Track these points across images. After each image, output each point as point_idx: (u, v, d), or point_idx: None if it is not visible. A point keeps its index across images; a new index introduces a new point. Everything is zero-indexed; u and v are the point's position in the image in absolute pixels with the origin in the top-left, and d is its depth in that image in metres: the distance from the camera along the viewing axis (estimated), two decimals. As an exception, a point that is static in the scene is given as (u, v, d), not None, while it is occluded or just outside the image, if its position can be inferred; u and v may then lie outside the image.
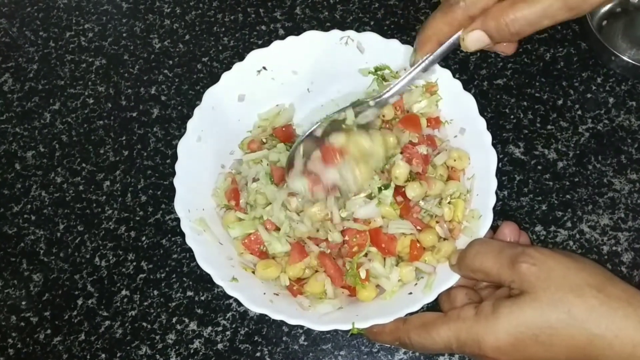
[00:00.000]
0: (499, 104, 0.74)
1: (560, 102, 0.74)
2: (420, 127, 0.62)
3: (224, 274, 0.56)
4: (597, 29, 0.76)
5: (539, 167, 0.71)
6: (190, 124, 0.62)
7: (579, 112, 0.73)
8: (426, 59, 0.52)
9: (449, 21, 0.47)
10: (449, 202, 0.59)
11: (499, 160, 0.70)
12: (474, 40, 0.46)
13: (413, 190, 0.58)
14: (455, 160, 0.61)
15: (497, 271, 0.49)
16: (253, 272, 0.59)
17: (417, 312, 0.53)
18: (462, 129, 0.62)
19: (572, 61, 0.76)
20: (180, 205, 0.59)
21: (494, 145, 0.60)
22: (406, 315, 0.53)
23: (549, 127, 0.73)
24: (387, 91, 0.59)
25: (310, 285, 0.57)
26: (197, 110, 0.63)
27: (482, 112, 0.61)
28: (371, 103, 0.59)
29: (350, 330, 0.53)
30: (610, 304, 0.44)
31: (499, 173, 0.69)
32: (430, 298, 0.53)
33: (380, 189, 0.58)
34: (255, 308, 0.54)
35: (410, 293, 0.55)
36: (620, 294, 0.45)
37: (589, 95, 0.74)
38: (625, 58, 0.72)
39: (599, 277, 0.46)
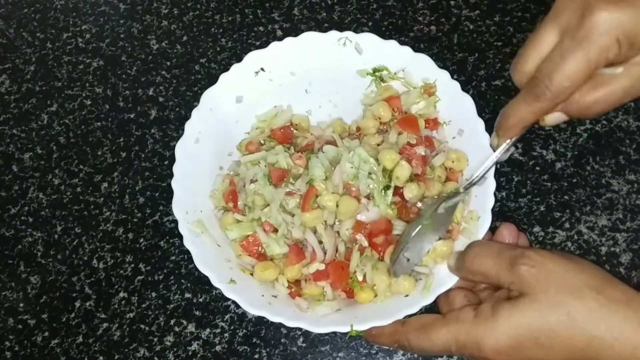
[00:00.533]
0: (497, 105, 0.74)
1: (558, 103, 0.74)
2: (418, 128, 0.62)
3: (222, 276, 0.56)
4: (595, 29, 0.76)
5: (537, 168, 0.71)
6: (188, 125, 0.62)
7: (577, 113, 0.73)
8: (509, 142, 0.53)
9: (535, 111, 0.47)
10: None
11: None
12: (553, 120, 0.48)
13: (411, 191, 0.58)
14: (453, 162, 0.61)
15: (496, 273, 0.49)
16: (251, 274, 0.58)
17: (415, 314, 0.53)
18: (460, 130, 0.62)
19: (570, 62, 0.76)
20: (178, 207, 0.58)
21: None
22: (405, 317, 0.53)
23: (547, 128, 0.73)
24: (476, 177, 0.56)
25: (308, 288, 0.57)
26: (194, 112, 0.63)
27: (480, 113, 0.61)
28: (461, 190, 0.57)
29: (348, 332, 0.53)
30: (609, 305, 0.44)
31: (497, 174, 0.69)
32: (428, 300, 0.53)
33: (381, 190, 0.58)
34: (253, 310, 0.54)
35: (407, 295, 0.55)
36: (619, 296, 0.45)
37: (587, 96, 0.74)
38: (623, 59, 0.72)
39: (598, 279, 0.46)
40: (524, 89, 0.47)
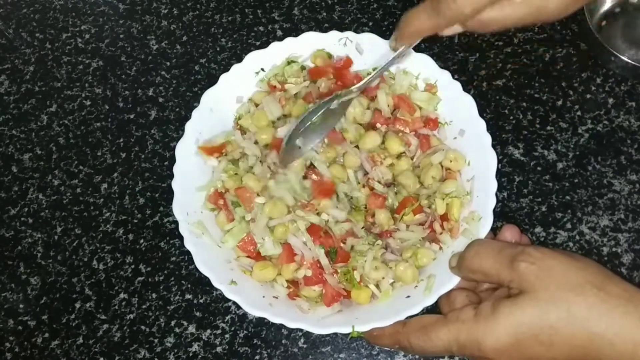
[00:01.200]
0: (498, 105, 0.74)
1: (559, 102, 0.74)
2: (413, 108, 0.63)
3: (223, 277, 0.55)
4: (597, 29, 0.76)
5: (539, 168, 0.71)
6: (189, 126, 0.62)
7: (579, 113, 0.73)
8: (406, 47, 0.55)
9: (434, 25, 0.48)
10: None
11: (499, 161, 0.69)
12: (451, 31, 0.49)
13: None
14: (451, 161, 0.61)
15: (497, 271, 0.48)
16: (251, 275, 0.58)
17: (416, 315, 0.53)
18: (461, 131, 0.62)
19: (571, 62, 0.76)
20: (178, 208, 0.58)
21: (493, 146, 0.60)
22: (406, 318, 0.53)
23: (548, 128, 0.73)
24: (371, 77, 0.60)
25: (305, 290, 0.57)
26: (195, 112, 0.63)
27: (481, 113, 0.61)
28: (354, 89, 0.60)
29: (350, 333, 0.53)
30: (610, 302, 0.44)
31: (499, 174, 0.69)
32: (430, 301, 0.53)
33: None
34: (254, 311, 0.53)
35: (409, 296, 0.55)
36: (620, 293, 0.45)
37: (588, 96, 0.74)
38: (624, 58, 0.72)
39: (599, 276, 0.46)
40: (427, 0, 0.48)
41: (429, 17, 0.47)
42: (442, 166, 0.61)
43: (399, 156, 0.62)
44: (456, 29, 0.49)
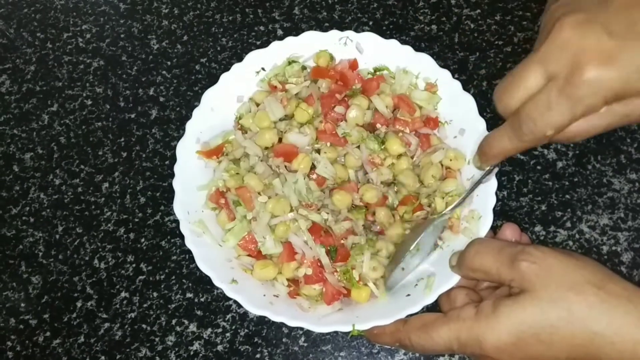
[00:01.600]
0: (498, 104, 0.74)
1: (559, 101, 0.74)
2: (413, 108, 0.63)
3: (224, 276, 0.56)
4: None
5: (539, 167, 0.71)
6: (189, 125, 0.62)
7: (578, 112, 0.73)
8: (493, 167, 0.55)
9: (517, 148, 0.49)
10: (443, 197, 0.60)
11: (499, 160, 0.70)
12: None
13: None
14: (451, 160, 0.61)
15: (497, 270, 0.49)
16: (252, 274, 0.58)
17: (417, 313, 0.53)
18: (461, 130, 0.62)
19: (571, 61, 0.76)
20: (179, 208, 0.58)
21: (493, 145, 0.60)
22: (406, 316, 0.53)
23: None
24: (461, 199, 0.58)
25: (305, 289, 0.57)
26: (195, 112, 0.63)
27: (481, 112, 0.61)
28: (446, 212, 0.58)
29: (350, 331, 0.53)
30: (610, 301, 0.44)
31: (498, 173, 0.69)
32: (430, 299, 0.53)
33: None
34: (255, 310, 0.54)
35: (409, 295, 0.55)
36: (620, 292, 0.45)
37: (588, 95, 0.74)
38: (624, 57, 0.72)
39: (599, 275, 0.46)
40: (508, 123, 0.48)
41: (512, 141, 0.48)
42: (442, 165, 0.61)
43: (399, 155, 0.63)
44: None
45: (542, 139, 0.46)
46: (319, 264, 0.57)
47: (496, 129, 0.50)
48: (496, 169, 0.55)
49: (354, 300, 0.57)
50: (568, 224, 0.68)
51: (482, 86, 0.75)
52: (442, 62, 0.76)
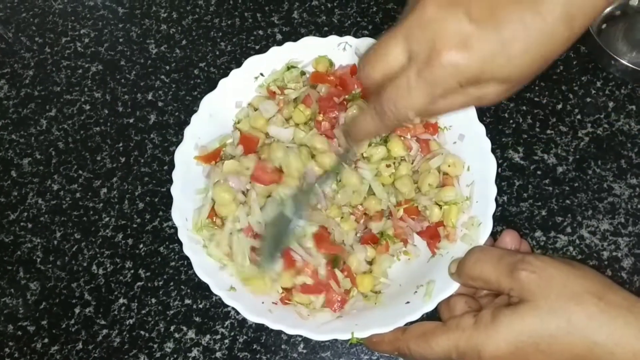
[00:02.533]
0: (497, 109, 0.74)
1: (559, 106, 0.74)
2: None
3: (222, 283, 0.55)
4: (597, 32, 0.76)
5: (539, 172, 0.70)
6: (188, 131, 0.62)
7: (579, 117, 0.73)
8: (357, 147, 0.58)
9: (381, 128, 0.49)
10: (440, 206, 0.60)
11: (499, 165, 0.69)
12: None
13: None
14: (449, 166, 0.60)
15: (497, 279, 0.48)
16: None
17: (416, 321, 0.53)
18: (461, 135, 0.62)
19: (571, 65, 0.76)
20: (177, 214, 0.58)
21: (493, 150, 0.59)
22: (406, 324, 0.52)
23: (548, 131, 0.72)
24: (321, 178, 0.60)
25: (297, 296, 0.57)
26: (194, 118, 0.62)
27: (481, 117, 0.61)
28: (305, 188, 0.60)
29: (349, 339, 0.53)
30: (610, 311, 0.44)
31: (498, 178, 0.69)
32: (429, 307, 0.53)
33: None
34: (253, 318, 0.53)
35: (408, 302, 0.55)
36: (620, 302, 0.44)
37: (588, 100, 0.74)
38: (624, 62, 0.71)
39: (599, 285, 0.46)
40: (371, 106, 0.47)
41: (375, 123, 0.48)
42: (440, 172, 0.61)
43: (399, 160, 0.62)
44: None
45: (403, 120, 0.46)
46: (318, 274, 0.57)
47: (363, 111, 0.50)
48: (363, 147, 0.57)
49: (359, 288, 0.57)
50: (568, 230, 0.68)
51: (482, 90, 0.75)
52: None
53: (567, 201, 0.69)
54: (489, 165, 0.58)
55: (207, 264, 0.57)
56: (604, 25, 0.77)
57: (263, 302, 0.56)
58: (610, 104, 0.73)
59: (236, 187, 0.59)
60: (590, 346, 0.44)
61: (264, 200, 0.58)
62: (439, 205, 0.59)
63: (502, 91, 0.44)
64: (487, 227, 0.55)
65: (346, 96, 0.65)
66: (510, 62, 0.41)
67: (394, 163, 0.62)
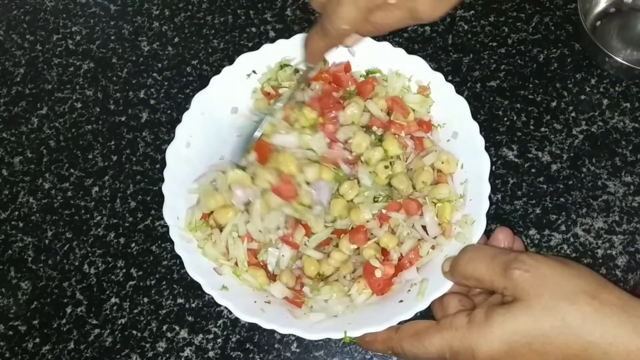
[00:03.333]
0: (492, 107, 0.74)
1: (554, 104, 0.73)
2: (406, 110, 0.63)
3: (214, 282, 0.55)
4: (591, 29, 0.76)
5: (533, 170, 0.70)
6: (179, 129, 0.61)
7: (573, 114, 0.73)
8: (316, 64, 0.61)
9: (327, 44, 0.54)
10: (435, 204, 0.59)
11: (493, 163, 0.69)
12: (351, 42, 0.55)
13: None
14: (443, 163, 0.60)
15: (490, 278, 0.48)
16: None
17: (409, 319, 0.52)
18: (454, 133, 0.62)
19: (565, 62, 0.76)
20: (169, 213, 0.58)
21: (487, 148, 0.59)
22: (399, 323, 0.52)
23: (542, 129, 0.72)
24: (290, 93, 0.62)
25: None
26: (185, 116, 0.62)
27: (475, 114, 0.61)
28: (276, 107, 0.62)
29: (342, 338, 0.52)
30: (604, 310, 0.44)
31: (492, 176, 0.69)
32: (422, 305, 0.53)
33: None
34: (245, 317, 0.53)
35: (401, 301, 0.54)
36: (614, 301, 0.44)
37: (582, 97, 0.74)
38: (619, 59, 0.71)
39: (593, 284, 0.45)
40: (317, 23, 0.53)
41: (321, 39, 0.54)
42: (434, 169, 0.61)
43: (395, 157, 0.62)
44: (356, 38, 0.54)
45: (343, 34, 0.52)
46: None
47: (312, 29, 0.55)
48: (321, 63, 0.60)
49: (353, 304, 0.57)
50: (562, 228, 0.67)
51: (476, 88, 0.75)
52: (436, 63, 0.76)
53: (562, 199, 0.69)
54: (483, 163, 0.57)
55: (199, 263, 0.56)
56: (598, 23, 0.77)
57: (255, 302, 0.55)
58: (605, 102, 0.73)
59: (240, 198, 0.59)
60: (584, 345, 0.43)
61: (267, 210, 0.58)
62: (433, 203, 0.59)
63: (432, 2, 0.49)
64: (481, 225, 0.55)
65: (342, 93, 0.64)
66: None
67: (390, 163, 0.61)
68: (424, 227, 0.59)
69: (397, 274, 0.57)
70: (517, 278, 0.46)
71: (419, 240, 0.58)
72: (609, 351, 0.43)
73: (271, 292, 0.57)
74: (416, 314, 0.53)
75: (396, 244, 0.58)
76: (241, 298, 0.55)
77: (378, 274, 0.56)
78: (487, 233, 0.57)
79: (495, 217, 0.68)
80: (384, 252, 0.58)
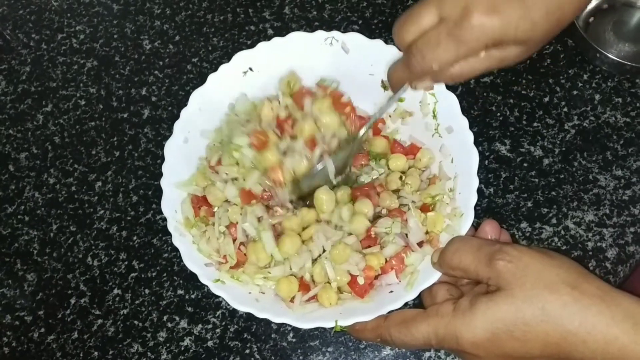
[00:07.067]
0: (485, 102, 0.75)
1: (546, 99, 0.75)
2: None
3: (210, 274, 0.57)
4: (584, 25, 0.77)
5: (525, 164, 0.71)
6: (177, 125, 0.63)
7: (565, 109, 0.74)
8: (396, 94, 0.59)
9: (408, 77, 0.54)
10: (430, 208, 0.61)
11: (486, 157, 0.71)
12: (423, 86, 0.54)
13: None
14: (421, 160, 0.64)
15: (475, 268, 0.49)
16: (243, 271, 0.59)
17: (399, 309, 0.54)
18: (449, 128, 0.63)
19: (558, 58, 0.77)
20: (167, 206, 0.60)
21: (480, 143, 0.60)
22: (388, 312, 0.54)
23: (535, 124, 0.73)
24: (373, 120, 0.62)
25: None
26: (183, 112, 0.64)
27: (468, 110, 0.62)
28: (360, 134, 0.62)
29: (333, 327, 0.54)
30: (583, 300, 0.45)
31: (485, 170, 0.70)
32: (411, 295, 0.54)
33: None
34: (240, 307, 0.55)
35: (392, 291, 0.56)
36: (594, 291, 0.45)
37: (575, 92, 0.75)
38: (611, 55, 0.72)
39: (573, 274, 0.47)
40: (404, 55, 0.52)
41: (404, 71, 0.53)
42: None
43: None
44: (428, 84, 0.54)
45: (428, 72, 0.51)
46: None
47: (397, 61, 0.55)
48: (401, 93, 0.58)
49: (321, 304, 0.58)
50: (554, 221, 0.69)
51: (469, 84, 0.76)
52: (431, 60, 0.77)
53: (553, 193, 0.70)
54: (472, 158, 0.59)
55: (196, 255, 0.58)
56: (591, 19, 0.78)
57: (250, 292, 0.57)
58: (597, 97, 0.74)
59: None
60: (564, 334, 0.45)
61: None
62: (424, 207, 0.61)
63: (521, 53, 0.49)
64: (469, 217, 0.56)
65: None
66: (533, 25, 0.46)
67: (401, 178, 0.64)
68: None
69: (378, 278, 0.58)
70: (501, 269, 0.48)
71: (405, 247, 0.58)
72: (588, 340, 0.44)
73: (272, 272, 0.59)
74: (408, 303, 0.54)
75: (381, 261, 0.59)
76: (236, 288, 0.57)
77: (360, 281, 0.57)
78: (478, 226, 0.58)
79: (487, 210, 0.69)
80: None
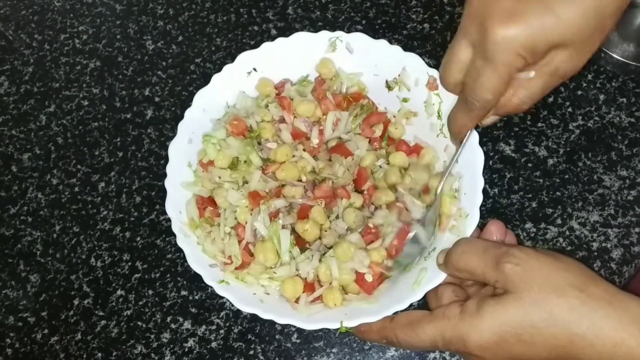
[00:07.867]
0: (489, 102, 0.75)
1: (550, 99, 0.74)
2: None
3: (215, 275, 0.56)
4: (588, 25, 0.76)
5: (530, 165, 0.71)
6: (181, 125, 0.63)
7: (570, 109, 0.74)
8: (463, 142, 0.58)
9: (471, 119, 0.53)
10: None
11: (490, 157, 0.71)
12: (490, 121, 0.54)
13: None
14: (396, 129, 0.64)
15: (482, 271, 0.49)
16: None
17: (404, 310, 0.54)
18: None
19: (562, 58, 0.76)
20: (171, 207, 0.59)
21: (485, 143, 0.60)
22: (394, 313, 0.54)
23: (539, 124, 0.73)
24: (445, 177, 0.60)
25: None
26: (187, 113, 0.63)
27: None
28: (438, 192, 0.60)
29: (338, 328, 0.54)
30: (591, 304, 0.45)
31: (490, 171, 0.70)
32: (417, 296, 0.54)
33: None
34: (244, 308, 0.54)
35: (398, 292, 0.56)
36: (602, 294, 0.45)
37: (579, 93, 0.75)
38: (615, 55, 0.72)
39: (581, 277, 0.47)
40: (459, 99, 0.52)
41: (465, 114, 0.52)
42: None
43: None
44: (494, 119, 0.53)
45: (486, 105, 0.49)
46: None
47: (454, 107, 0.54)
48: (470, 138, 0.57)
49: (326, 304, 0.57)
50: (558, 221, 0.69)
51: (474, 84, 0.76)
52: (435, 60, 0.77)
53: (558, 193, 0.70)
54: (477, 157, 0.59)
55: (200, 256, 0.58)
56: (595, 19, 0.78)
57: (255, 293, 0.57)
58: (601, 97, 0.74)
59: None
60: (571, 337, 0.45)
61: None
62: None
63: (571, 57, 0.46)
64: (474, 218, 0.56)
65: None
66: (563, 22, 0.43)
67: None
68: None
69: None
70: (508, 271, 0.47)
71: (402, 229, 0.59)
72: (595, 343, 0.44)
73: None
74: (413, 304, 0.54)
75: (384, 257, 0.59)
76: (241, 289, 0.56)
77: (369, 278, 0.57)
78: (482, 228, 0.58)
79: (492, 211, 0.69)
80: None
